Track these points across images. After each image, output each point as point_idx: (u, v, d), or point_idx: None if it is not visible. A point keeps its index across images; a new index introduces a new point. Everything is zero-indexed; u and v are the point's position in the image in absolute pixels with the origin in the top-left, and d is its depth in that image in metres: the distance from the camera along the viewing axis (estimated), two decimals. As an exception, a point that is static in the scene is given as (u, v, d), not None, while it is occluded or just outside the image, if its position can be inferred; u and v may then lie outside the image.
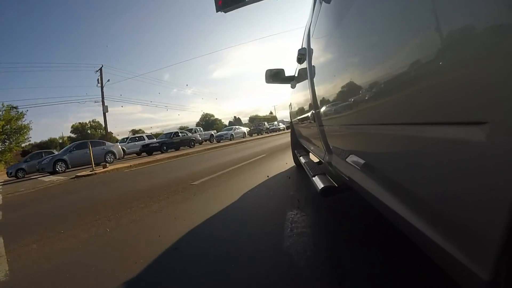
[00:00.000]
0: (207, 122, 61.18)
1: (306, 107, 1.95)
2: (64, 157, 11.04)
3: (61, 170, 10.66)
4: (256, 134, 25.70)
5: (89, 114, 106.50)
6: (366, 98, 0.73)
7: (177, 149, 15.24)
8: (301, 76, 1.97)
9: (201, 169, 5.19)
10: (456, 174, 0.41)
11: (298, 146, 3.44)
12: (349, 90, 0.90)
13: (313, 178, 1.60)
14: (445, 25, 0.39)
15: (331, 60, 1.15)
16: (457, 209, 0.43)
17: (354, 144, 1.04)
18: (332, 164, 1.43)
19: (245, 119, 64.82)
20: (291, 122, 3.93)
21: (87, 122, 52.04)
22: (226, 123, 62.18)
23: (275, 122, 35.68)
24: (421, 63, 0.46)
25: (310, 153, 2.53)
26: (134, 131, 54.49)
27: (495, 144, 0.32)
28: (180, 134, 16.31)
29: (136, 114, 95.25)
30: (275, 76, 2.56)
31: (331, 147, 1.47)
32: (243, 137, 21.72)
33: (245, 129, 23.78)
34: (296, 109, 2.76)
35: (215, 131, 25.08)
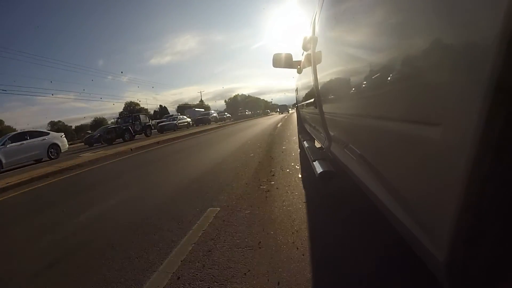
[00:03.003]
0: (131, 112, 48.49)
1: (310, 93, 1.99)
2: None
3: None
4: (122, 140, 13.60)
5: (18, 103, 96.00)
6: (360, 91, 0.78)
7: None
8: (306, 62, 1.99)
9: None
10: (419, 165, 0.48)
11: (303, 131, 3.49)
12: (347, 81, 0.94)
13: (313, 162, 1.67)
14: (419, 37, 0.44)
15: (334, 48, 1.19)
16: (419, 196, 0.49)
17: (350, 132, 1.09)
18: (331, 150, 1.49)
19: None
20: (297, 107, 3.97)
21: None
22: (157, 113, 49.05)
23: (174, 115, 22.08)
24: (398, 64, 0.51)
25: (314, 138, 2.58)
26: (52, 123, 46.63)
27: (446, 142, 0.39)
28: None
29: (68, 103, 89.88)
30: (283, 60, 2.56)
31: (330, 134, 1.53)
32: (52, 157, 9.28)
33: (58, 137, 9.91)
34: (301, 94, 2.78)
35: None
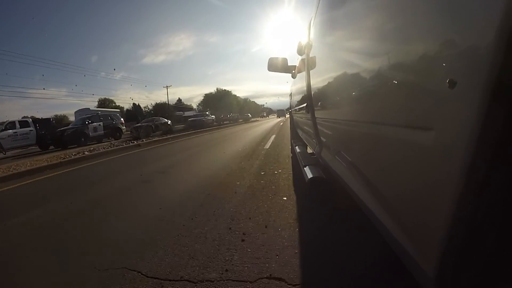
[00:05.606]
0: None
1: (303, 98, 1.98)
2: None
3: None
4: None
5: (7, 96, 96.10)
6: (352, 95, 0.76)
7: None
8: (300, 67, 1.99)
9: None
10: (408, 172, 0.45)
11: (295, 136, 3.49)
12: (339, 86, 0.93)
13: (304, 168, 1.65)
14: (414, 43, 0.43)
15: (327, 54, 1.18)
16: (408, 205, 0.47)
17: (340, 138, 1.08)
18: (321, 156, 1.48)
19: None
20: (290, 111, 3.99)
21: None
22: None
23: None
24: (389, 69, 0.50)
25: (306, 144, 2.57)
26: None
27: (436, 149, 0.37)
28: None
29: (61, 98, 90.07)
30: (278, 64, 2.56)
31: (322, 140, 1.51)
32: None
33: None
34: (295, 99, 2.78)
35: None
